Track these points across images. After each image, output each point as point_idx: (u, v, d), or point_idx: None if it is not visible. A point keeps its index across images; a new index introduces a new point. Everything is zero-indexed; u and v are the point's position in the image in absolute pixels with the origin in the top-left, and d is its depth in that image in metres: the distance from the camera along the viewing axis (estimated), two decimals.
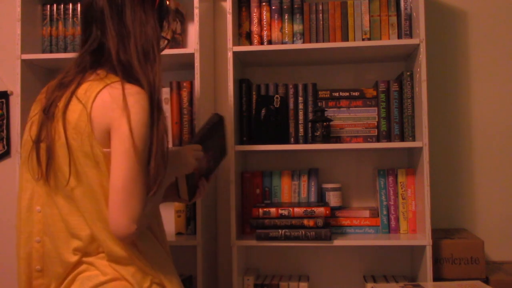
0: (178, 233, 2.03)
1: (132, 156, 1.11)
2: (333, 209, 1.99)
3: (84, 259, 1.17)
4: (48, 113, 1.19)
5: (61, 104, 1.19)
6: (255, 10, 2.02)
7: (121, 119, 1.12)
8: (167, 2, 1.42)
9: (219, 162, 1.60)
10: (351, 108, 2.00)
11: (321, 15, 1.99)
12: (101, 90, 1.17)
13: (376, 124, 1.99)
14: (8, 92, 2.31)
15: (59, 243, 1.17)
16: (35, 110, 1.27)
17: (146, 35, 1.25)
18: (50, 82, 1.31)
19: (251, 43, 2.03)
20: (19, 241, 1.22)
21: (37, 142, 1.19)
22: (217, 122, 1.54)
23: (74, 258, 1.16)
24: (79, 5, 2.08)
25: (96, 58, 1.24)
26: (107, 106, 1.14)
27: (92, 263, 1.17)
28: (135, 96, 1.15)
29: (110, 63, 1.22)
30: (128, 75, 1.20)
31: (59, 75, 1.29)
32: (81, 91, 1.18)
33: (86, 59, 1.25)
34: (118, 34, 1.23)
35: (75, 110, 1.16)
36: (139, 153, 1.12)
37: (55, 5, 2.09)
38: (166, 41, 1.42)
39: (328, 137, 1.94)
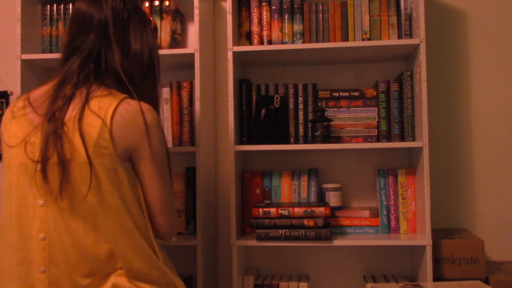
0: (178, 233, 2.03)
1: (161, 175, 1.21)
2: (333, 209, 1.98)
3: (99, 279, 1.13)
4: (53, 128, 1.11)
5: (71, 121, 1.12)
6: (255, 10, 2.02)
7: (143, 142, 1.16)
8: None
9: None
10: (351, 108, 2.00)
11: (321, 15, 1.99)
12: (117, 106, 1.14)
13: (376, 124, 1.99)
14: (8, 92, 2.31)
15: (68, 269, 1.11)
16: (26, 128, 1.16)
17: (150, 53, 1.27)
18: (29, 94, 1.23)
19: (251, 43, 2.03)
20: (10, 273, 1.13)
21: (43, 161, 1.10)
22: None
23: (86, 281, 1.12)
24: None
25: (95, 69, 1.21)
26: (128, 124, 1.14)
27: (115, 284, 1.14)
28: (150, 114, 1.18)
29: (108, 75, 1.21)
30: (128, 90, 1.20)
31: (43, 87, 1.23)
32: (94, 107, 1.13)
33: (89, 68, 1.20)
34: (122, 48, 1.23)
35: (93, 126, 1.11)
36: (165, 170, 1.23)
37: (55, 5, 2.09)
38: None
39: (328, 137, 1.94)
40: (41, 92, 1.22)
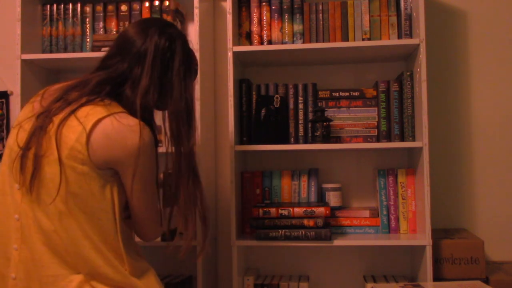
0: (179, 233, 2.02)
1: (147, 191, 1.23)
2: (333, 209, 1.98)
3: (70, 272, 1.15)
4: (42, 124, 1.15)
5: (57, 120, 1.15)
6: (255, 10, 2.02)
7: (128, 159, 1.16)
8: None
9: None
10: (351, 108, 2.00)
11: (321, 15, 1.99)
12: (104, 117, 1.15)
13: (376, 124, 1.99)
14: (8, 92, 2.31)
15: (36, 255, 1.14)
16: (27, 114, 1.22)
17: (189, 96, 1.28)
18: (50, 87, 1.28)
19: (251, 43, 2.03)
20: None
21: (25, 149, 1.15)
22: None
23: (49, 272, 1.14)
24: (79, 5, 2.08)
25: (114, 91, 1.23)
26: (111, 138, 1.14)
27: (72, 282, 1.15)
28: (143, 136, 1.16)
29: (126, 103, 1.22)
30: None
31: (62, 84, 1.26)
32: (82, 113, 1.16)
33: (105, 89, 1.22)
34: (159, 83, 1.24)
35: (73, 131, 1.14)
36: (151, 186, 1.25)
37: (55, 5, 2.09)
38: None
39: (328, 137, 1.94)
40: (57, 88, 1.26)
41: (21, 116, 1.24)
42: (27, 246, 1.15)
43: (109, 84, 1.22)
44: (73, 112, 1.16)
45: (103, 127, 1.14)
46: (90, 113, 1.16)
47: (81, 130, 1.13)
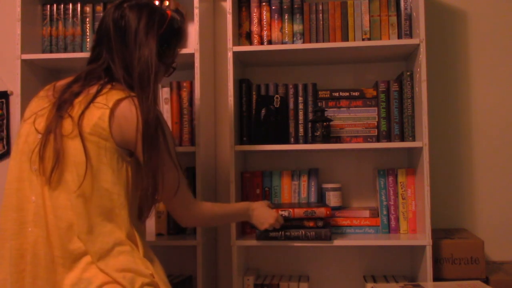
0: (159, 234, 2.01)
1: (164, 164, 1.28)
2: (333, 209, 1.98)
3: (71, 255, 1.16)
4: (60, 107, 1.21)
5: (77, 103, 1.21)
6: (255, 10, 2.02)
7: (139, 139, 1.23)
8: (178, 24, 1.39)
9: None
10: (351, 108, 2.00)
11: (321, 15, 1.99)
12: (123, 98, 1.22)
13: (376, 124, 1.99)
14: (8, 92, 2.31)
15: (48, 237, 1.16)
16: (42, 105, 1.26)
17: (142, 63, 1.26)
18: (56, 82, 1.32)
19: (251, 43, 2.03)
20: (11, 231, 1.20)
21: (45, 134, 1.19)
22: None
23: (59, 253, 1.15)
24: (79, 5, 2.08)
25: (109, 75, 1.29)
26: (127, 120, 1.22)
27: (80, 264, 1.16)
28: (137, 112, 1.23)
29: (115, 80, 1.28)
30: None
31: (68, 79, 1.31)
32: (102, 94, 1.22)
33: (100, 73, 1.28)
34: (122, 59, 1.28)
35: (96, 110, 1.20)
36: (169, 158, 1.30)
37: (55, 5, 2.09)
38: (171, 69, 1.44)
39: (328, 137, 1.94)
40: (63, 83, 1.30)
41: (35, 107, 1.27)
42: (39, 229, 1.17)
43: (101, 71, 1.28)
44: (91, 101, 1.21)
45: (123, 107, 1.22)
46: (110, 94, 1.22)
47: (104, 109, 1.19)
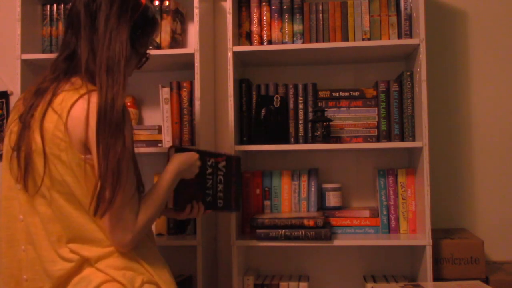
0: (159, 234, 2.02)
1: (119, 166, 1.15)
2: (333, 209, 1.99)
3: (69, 264, 1.16)
4: (24, 121, 1.19)
5: (37, 114, 1.18)
6: (255, 10, 2.02)
7: (94, 137, 1.14)
8: (153, 14, 1.33)
9: (227, 209, 1.62)
10: (351, 108, 2.00)
11: (321, 15, 1.99)
12: (76, 101, 1.17)
13: (376, 124, 1.99)
14: (8, 92, 2.31)
15: (42, 252, 1.16)
16: (13, 117, 1.25)
17: (113, 48, 1.19)
18: (28, 88, 1.30)
19: (251, 43, 2.03)
20: (1, 249, 1.21)
21: (17, 150, 1.18)
22: (232, 157, 1.62)
23: (57, 266, 1.15)
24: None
25: (69, 65, 1.23)
26: (82, 120, 1.15)
27: (80, 269, 1.16)
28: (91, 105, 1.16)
29: (80, 70, 1.21)
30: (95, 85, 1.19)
31: (37, 79, 1.27)
32: (57, 101, 1.18)
33: (60, 66, 1.24)
34: (90, 42, 1.21)
35: (51, 121, 1.16)
36: (126, 162, 1.17)
37: (55, 5, 2.09)
38: (144, 58, 1.35)
39: (328, 137, 1.94)
40: (33, 83, 1.28)
41: (10, 120, 1.27)
42: (32, 246, 1.17)
43: (61, 61, 1.24)
44: (49, 104, 1.18)
45: (76, 109, 1.16)
46: (64, 99, 1.17)
47: (57, 119, 1.15)
